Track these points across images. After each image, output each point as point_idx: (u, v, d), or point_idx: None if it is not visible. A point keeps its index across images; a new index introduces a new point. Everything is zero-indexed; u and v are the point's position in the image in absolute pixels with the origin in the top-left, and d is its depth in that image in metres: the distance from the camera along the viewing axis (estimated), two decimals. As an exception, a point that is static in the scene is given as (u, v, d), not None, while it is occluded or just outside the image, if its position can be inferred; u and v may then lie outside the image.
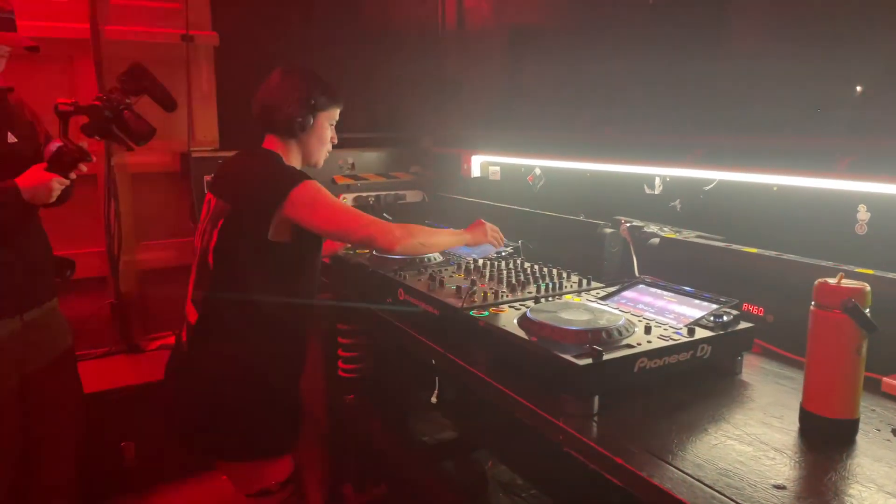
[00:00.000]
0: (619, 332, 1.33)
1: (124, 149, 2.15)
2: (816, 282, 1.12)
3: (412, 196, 3.37)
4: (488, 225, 2.08)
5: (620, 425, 1.19)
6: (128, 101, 2.02)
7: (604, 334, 1.31)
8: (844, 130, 1.67)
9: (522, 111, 2.85)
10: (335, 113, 1.95)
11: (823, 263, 1.58)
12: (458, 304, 1.56)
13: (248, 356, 1.77)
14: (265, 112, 1.86)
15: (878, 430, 1.15)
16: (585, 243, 2.18)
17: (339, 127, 2.03)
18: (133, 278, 3.09)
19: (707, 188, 2.03)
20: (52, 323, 2.28)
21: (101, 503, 2.71)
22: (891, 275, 1.45)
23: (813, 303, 1.12)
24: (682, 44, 2.04)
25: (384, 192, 3.27)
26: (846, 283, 1.09)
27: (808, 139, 1.74)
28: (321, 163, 1.99)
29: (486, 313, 1.50)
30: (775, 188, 1.83)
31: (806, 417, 1.14)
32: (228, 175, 1.90)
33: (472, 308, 1.54)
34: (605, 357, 1.21)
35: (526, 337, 1.34)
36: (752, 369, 1.47)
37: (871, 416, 1.21)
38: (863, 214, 1.63)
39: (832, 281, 1.10)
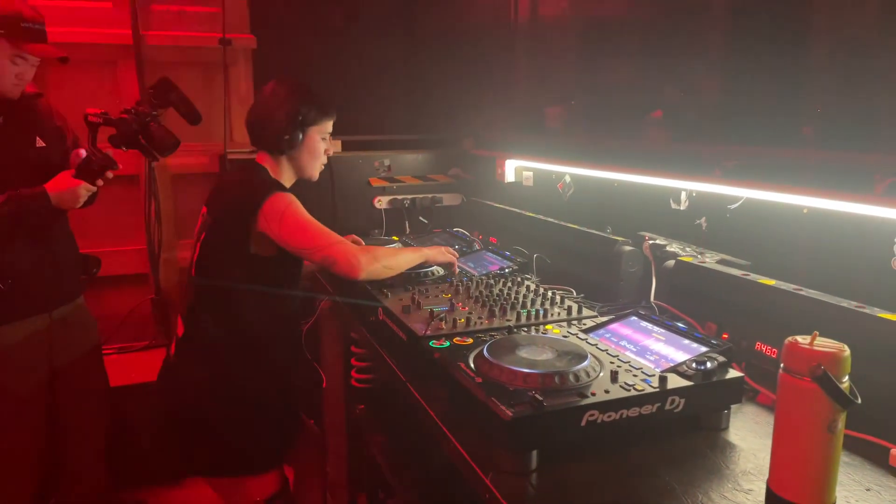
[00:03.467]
0: (577, 378, 1.19)
1: (149, 158, 2.22)
2: (787, 340, 0.94)
3: (449, 199, 3.28)
4: (446, 249, 2.05)
5: (559, 488, 1.06)
6: (154, 113, 2.08)
7: (556, 379, 1.17)
8: (887, 145, 1.43)
9: (551, 115, 2.69)
10: (327, 126, 1.90)
11: (844, 304, 1.35)
12: (421, 331, 1.47)
13: (230, 371, 1.76)
14: (253, 128, 1.83)
15: (864, 521, 0.96)
16: (603, 261, 2.03)
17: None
18: (173, 275, 3.19)
19: (733, 206, 1.81)
20: (80, 319, 2.38)
21: (129, 491, 2.82)
22: (920, 323, 1.22)
23: (782, 365, 0.94)
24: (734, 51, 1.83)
25: (420, 195, 3.20)
26: (821, 344, 0.91)
27: (838, 154, 1.51)
28: (316, 176, 1.94)
29: (447, 344, 1.40)
30: (806, 210, 1.60)
31: (772, 500, 0.97)
32: (216, 189, 1.89)
33: (435, 337, 1.44)
34: (546, 408, 1.08)
35: (473, 377, 1.23)
36: (746, 424, 1.28)
37: (862, 499, 1.01)
38: (901, 247, 1.38)
39: (803, 340, 0.92)
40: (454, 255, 2.05)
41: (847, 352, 0.90)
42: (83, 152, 2.07)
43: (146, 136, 2.06)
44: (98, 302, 3.01)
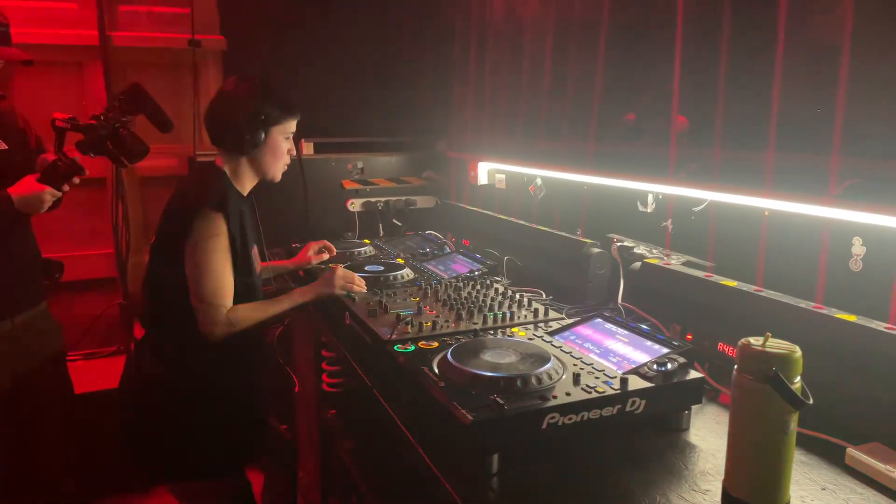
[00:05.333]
0: (539, 381, 1.19)
1: (117, 165, 2.19)
2: (740, 342, 0.95)
3: (424, 202, 3.28)
4: (338, 274, 1.88)
5: (519, 491, 1.06)
6: (124, 119, 2.04)
7: (519, 383, 1.18)
8: (845, 149, 1.45)
9: (526, 116, 2.70)
10: (290, 125, 1.87)
11: (802, 304, 1.38)
12: (386, 335, 1.46)
13: (189, 374, 1.74)
14: (212, 127, 1.80)
15: (817, 520, 0.97)
16: (572, 263, 2.05)
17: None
18: (141, 279, 3.14)
19: (697, 209, 1.83)
20: (43, 325, 2.34)
21: (97, 500, 2.77)
22: (875, 324, 1.24)
23: (736, 366, 0.95)
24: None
25: (393, 198, 3.20)
26: (773, 345, 0.92)
27: (801, 157, 1.53)
28: (278, 177, 1.92)
29: (412, 348, 1.39)
30: (767, 213, 1.62)
31: (727, 500, 0.98)
32: (172, 196, 1.86)
33: (400, 341, 1.43)
34: (507, 411, 1.09)
35: (436, 381, 1.23)
36: (707, 424, 1.29)
37: (817, 498, 1.03)
38: (858, 248, 1.41)
39: (756, 342, 0.93)
40: (348, 280, 1.88)
41: (798, 353, 0.91)
42: (49, 157, 2.03)
43: (115, 142, 2.03)
44: (65, 307, 2.95)
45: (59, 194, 2.03)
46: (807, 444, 1.17)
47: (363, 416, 2.23)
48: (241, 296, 1.75)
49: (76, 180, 2.02)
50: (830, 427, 1.18)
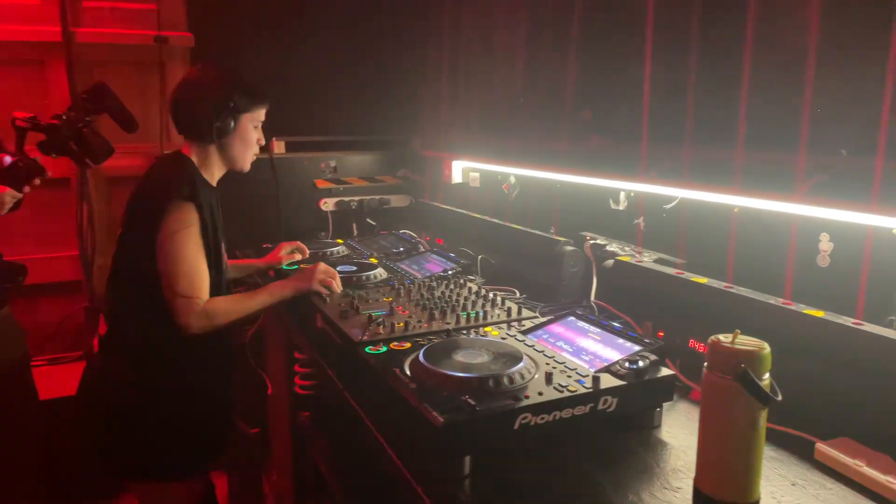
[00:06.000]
0: (511, 381, 1.18)
1: (80, 166, 2.14)
2: (710, 339, 0.95)
3: (398, 201, 3.26)
4: (320, 269, 1.83)
5: (491, 493, 1.05)
6: (88, 119, 2.00)
7: (491, 383, 1.17)
8: (814, 147, 1.47)
9: (500, 115, 2.70)
10: (260, 114, 1.84)
11: (771, 300, 1.39)
12: (357, 336, 1.44)
13: (152, 372, 1.71)
14: (179, 115, 1.76)
15: (786, 515, 0.98)
16: (546, 261, 2.05)
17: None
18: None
19: (668, 206, 1.84)
20: (5, 330, 2.26)
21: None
22: (842, 319, 1.25)
23: (705, 363, 0.95)
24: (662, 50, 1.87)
25: (367, 197, 3.17)
26: (742, 342, 0.92)
27: (769, 155, 1.55)
28: (247, 167, 1.89)
29: (384, 349, 1.37)
30: (736, 210, 1.63)
31: (698, 498, 0.98)
32: (136, 188, 1.81)
33: (372, 342, 1.41)
34: (479, 412, 1.07)
35: (408, 382, 1.21)
36: (678, 421, 1.30)
37: (787, 493, 1.03)
38: (825, 244, 1.43)
39: (725, 339, 0.93)
40: (329, 277, 1.83)
41: (767, 349, 0.91)
42: (8, 158, 1.97)
43: (79, 142, 1.99)
44: (29, 312, 2.88)
45: (20, 196, 1.97)
46: (777, 440, 1.17)
47: (337, 418, 2.21)
48: (210, 292, 1.72)
49: (37, 182, 1.97)
50: (800, 423, 1.19)
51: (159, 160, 1.87)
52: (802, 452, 1.15)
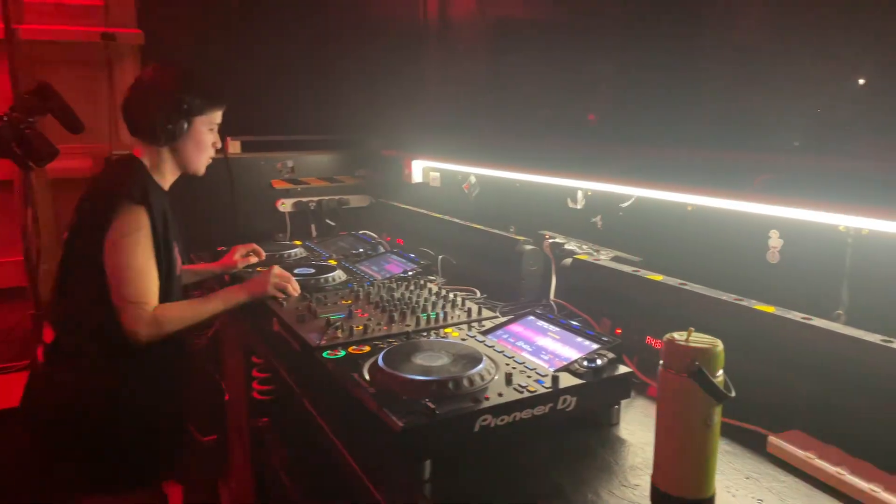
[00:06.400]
0: (471, 382, 1.18)
1: (22, 168, 2.05)
2: (665, 337, 0.96)
3: (357, 201, 3.23)
4: (274, 273, 1.80)
5: (453, 496, 1.04)
6: (31, 120, 1.92)
7: (450, 385, 1.16)
8: (763, 146, 1.51)
9: (461, 114, 2.70)
10: (215, 116, 1.80)
11: (724, 297, 1.41)
12: (315, 341, 1.41)
13: (100, 380, 1.65)
14: (131, 116, 1.71)
15: (740, 509, 0.99)
16: (506, 260, 2.05)
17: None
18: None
19: (625, 205, 1.86)
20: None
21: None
22: (792, 314, 1.28)
23: (661, 361, 0.96)
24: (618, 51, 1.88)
25: (326, 197, 3.13)
26: (696, 339, 0.93)
27: (720, 154, 1.58)
28: (202, 170, 1.84)
29: (342, 354, 1.35)
30: (690, 208, 1.66)
31: (655, 494, 0.99)
32: (85, 191, 1.75)
33: (330, 347, 1.39)
34: (439, 416, 1.06)
35: (367, 387, 1.19)
36: (636, 418, 1.31)
37: (742, 486, 1.05)
38: (775, 241, 1.46)
39: (680, 337, 0.94)
40: (284, 281, 1.79)
41: (720, 346, 0.92)
42: None
43: (21, 144, 1.91)
44: (-29, 319, 2.76)
45: None
46: (730, 434, 1.19)
47: (296, 424, 2.17)
48: (160, 298, 1.67)
49: None
50: (752, 416, 1.21)
51: (110, 162, 1.82)
52: (755, 446, 1.18)
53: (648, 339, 1.54)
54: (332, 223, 3.11)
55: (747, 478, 1.08)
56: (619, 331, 1.62)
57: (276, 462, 2.21)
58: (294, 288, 1.80)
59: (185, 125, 1.71)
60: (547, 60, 2.18)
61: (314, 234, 3.03)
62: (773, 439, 1.15)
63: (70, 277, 1.68)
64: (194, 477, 1.97)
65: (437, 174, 2.90)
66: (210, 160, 1.85)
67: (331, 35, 3.39)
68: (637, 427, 1.27)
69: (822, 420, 1.15)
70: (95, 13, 2.82)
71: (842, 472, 1.03)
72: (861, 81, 1.32)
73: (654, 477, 0.99)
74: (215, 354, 2.65)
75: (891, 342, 1.11)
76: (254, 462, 2.52)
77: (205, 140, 1.78)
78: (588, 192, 2.01)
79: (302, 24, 3.33)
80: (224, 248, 2.33)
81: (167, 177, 1.80)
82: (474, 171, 2.58)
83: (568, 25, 2.10)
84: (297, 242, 2.64)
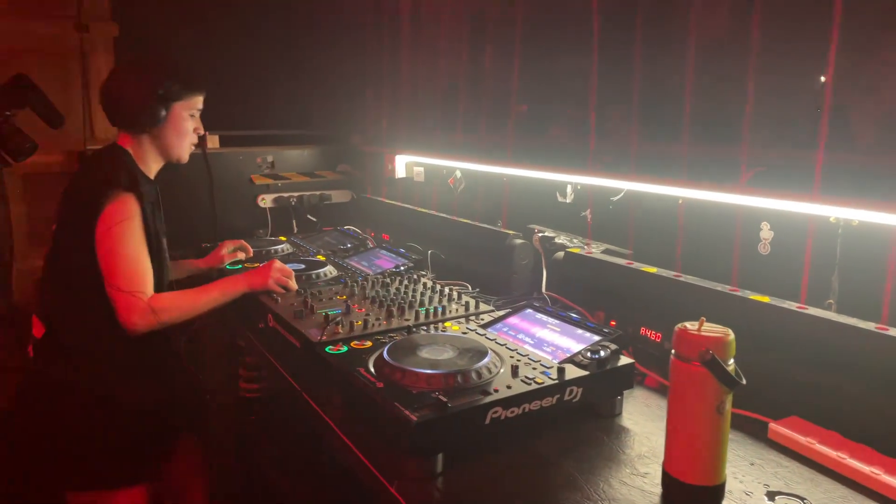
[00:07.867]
0: (479, 375, 1.18)
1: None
2: (676, 327, 0.98)
3: (339, 196, 3.20)
4: (275, 267, 1.77)
5: (464, 490, 1.04)
6: (8, 113, 1.85)
7: (459, 378, 1.16)
8: (754, 141, 1.54)
9: (444, 109, 2.69)
10: (195, 101, 1.77)
11: (719, 288, 1.44)
12: (316, 337, 1.40)
13: (90, 378, 1.61)
14: (109, 104, 1.68)
15: (749, 495, 1.02)
16: (495, 254, 2.06)
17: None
18: (29, 288, 2.87)
19: (615, 198, 1.88)
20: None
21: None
22: (787, 304, 1.32)
23: (673, 351, 0.98)
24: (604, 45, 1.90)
25: (307, 193, 3.09)
26: (708, 329, 0.95)
27: (710, 148, 1.61)
28: (185, 157, 1.81)
29: (345, 349, 1.34)
30: (681, 201, 1.69)
31: (667, 481, 1.00)
32: (70, 181, 1.71)
33: (331, 342, 1.38)
34: (451, 409, 1.06)
35: (374, 382, 1.19)
36: (637, 408, 1.33)
37: (747, 473, 1.08)
38: (766, 233, 1.50)
39: (692, 327, 0.96)
40: (285, 275, 1.77)
41: (732, 335, 0.95)
42: None
43: None
44: (-62, 321, 2.66)
45: None
46: (732, 422, 1.21)
47: (289, 421, 2.15)
48: (153, 289, 1.63)
49: None
50: (751, 404, 1.24)
51: (94, 153, 1.77)
52: (756, 433, 1.21)
53: (643, 331, 1.56)
54: (314, 219, 3.08)
55: (752, 464, 1.11)
56: (614, 323, 1.64)
57: (265, 460, 2.19)
58: (294, 283, 1.78)
59: (163, 111, 1.69)
60: (532, 56, 2.19)
61: (295, 229, 2.99)
62: (774, 426, 1.18)
63: (58, 272, 1.63)
64: (181, 475, 1.94)
65: (421, 169, 2.89)
66: (193, 147, 1.82)
67: (306, 29, 3.35)
68: (640, 417, 1.29)
69: (819, 405, 1.19)
70: (69, 5, 2.73)
71: (843, 455, 1.06)
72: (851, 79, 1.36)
73: (666, 464, 1.01)
74: (198, 351, 2.60)
75: (885, 330, 1.15)
76: (240, 460, 2.49)
77: (185, 126, 1.76)
78: (577, 186, 2.03)
79: (278, 18, 3.28)
80: (209, 245, 2.29)
81: (151, 166, 1.77)
82: (459, 166, 2.58)
83: (556, 21, 2.11)
84: (283, 238, 2.60)
